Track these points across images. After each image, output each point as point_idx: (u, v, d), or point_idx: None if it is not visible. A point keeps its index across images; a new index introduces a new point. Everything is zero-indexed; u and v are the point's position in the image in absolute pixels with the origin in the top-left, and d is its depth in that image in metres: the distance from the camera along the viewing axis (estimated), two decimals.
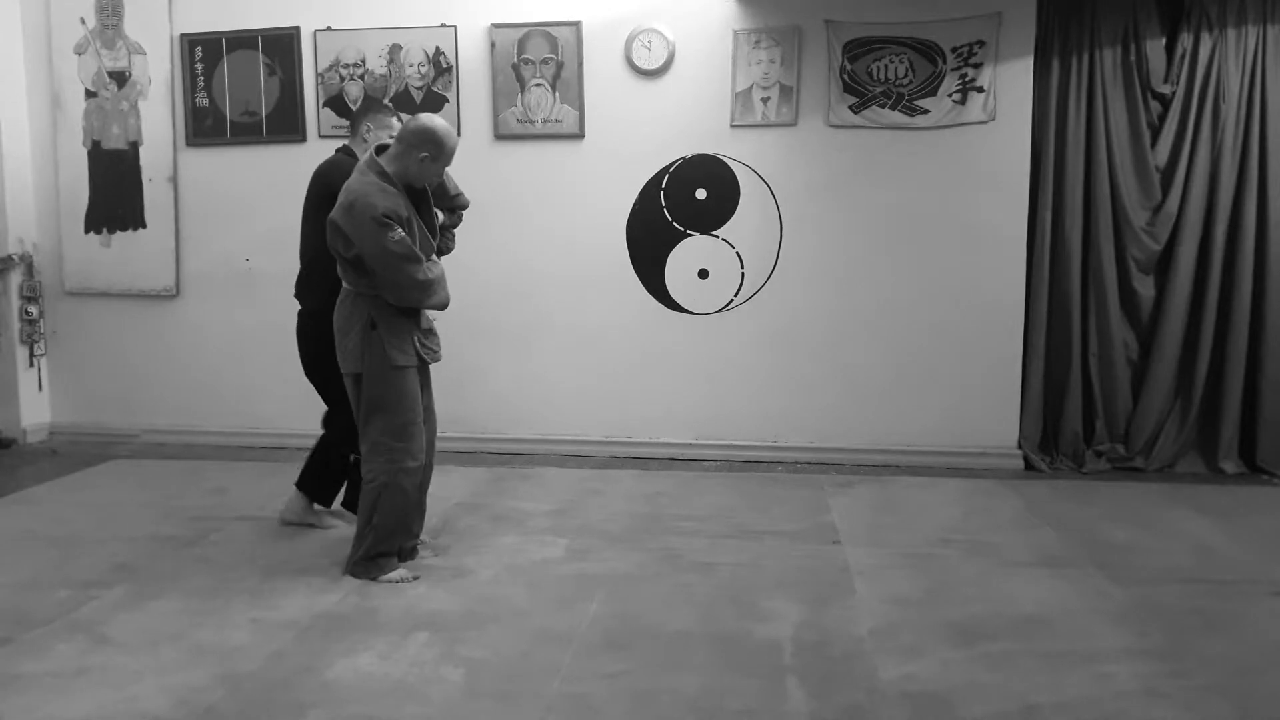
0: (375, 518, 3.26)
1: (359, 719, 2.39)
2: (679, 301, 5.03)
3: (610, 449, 5.08)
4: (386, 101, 4.96)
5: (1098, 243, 4.73)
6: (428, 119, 3.19)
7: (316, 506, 3.86)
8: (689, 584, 3.27)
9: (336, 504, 3.89)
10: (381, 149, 3.25)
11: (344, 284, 3.28)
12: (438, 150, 3.16)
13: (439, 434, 3.56)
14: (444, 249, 3.58)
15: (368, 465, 3.28)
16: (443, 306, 3.30)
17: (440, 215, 3.54)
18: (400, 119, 3.69)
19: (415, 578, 3.29)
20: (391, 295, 3.18)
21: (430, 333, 3.37)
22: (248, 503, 4.17)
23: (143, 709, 2.42)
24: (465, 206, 3.60)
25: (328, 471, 3.81)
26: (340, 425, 3.62)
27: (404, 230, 3.12)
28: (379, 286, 3.18)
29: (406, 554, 3.42)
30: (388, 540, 3.29)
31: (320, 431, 3.85)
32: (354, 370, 3.26)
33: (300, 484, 3.84)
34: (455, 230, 3.64)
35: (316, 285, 3.56)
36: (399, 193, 3.14)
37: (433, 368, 4.91)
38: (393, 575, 3.27)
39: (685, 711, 2.43)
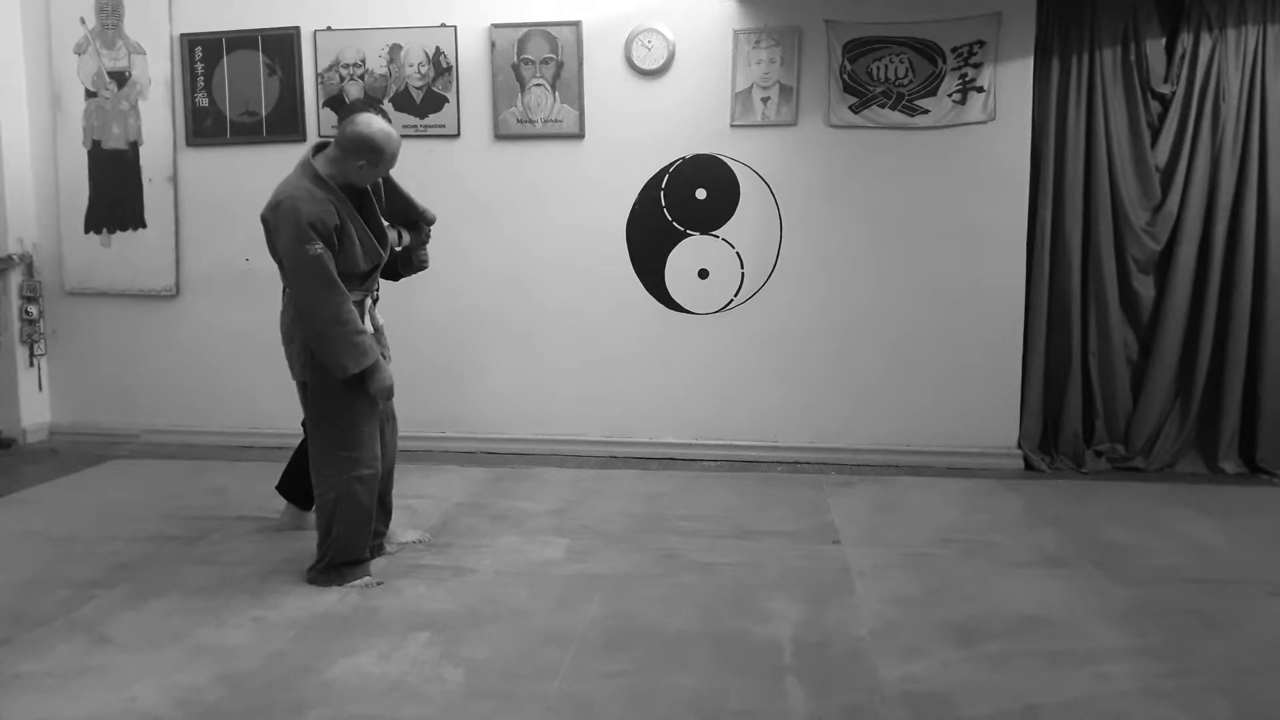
0: (334, 529, 3.20)
1: (359, 719, 2.39)
2: (679, 301, 5.03)
3: (610, 449, 5.08)
4: (387, 101, 4.97)
5: (1098, 243, 4.73)
6: (365, 124, 3.05)
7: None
8: (689, 584, 3.27)
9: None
10: (320, 147, 3.16)
11: (286, 290, 3.20)
12: (376, 157, 3.06)
13: (401, 433, 3.55)
14: (419, 265, 3.58)
15: (318, 476, 3.22)
16: (345, 374, 3.04)
17: (405, 236, 3.50)
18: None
19: (379, 583, 3.24)
20: (305, 323, 3.05)
21: (378, 334, 3.30)
22: (248, 503, 4.17)
23: (143, 709, 2.43)
24: (431, 222, 3.57)
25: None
26: None
27: (335, 238, 3.02)
28: (295, 304, 3.09)
29: (373, 551, 3.40)
30: (348, 550, 3.23)
31: (301, 434, 3.83)
32: (300, 378, 3.21)
33: (281, 489, 3.82)
34: (426, 246, 3.62)
35: None
36: (328, 197, 3.05)
37: (432, 367, 4.89)
38: (357, 583, 3.22)
39: (685, 711, 2.43)
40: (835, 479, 4.64)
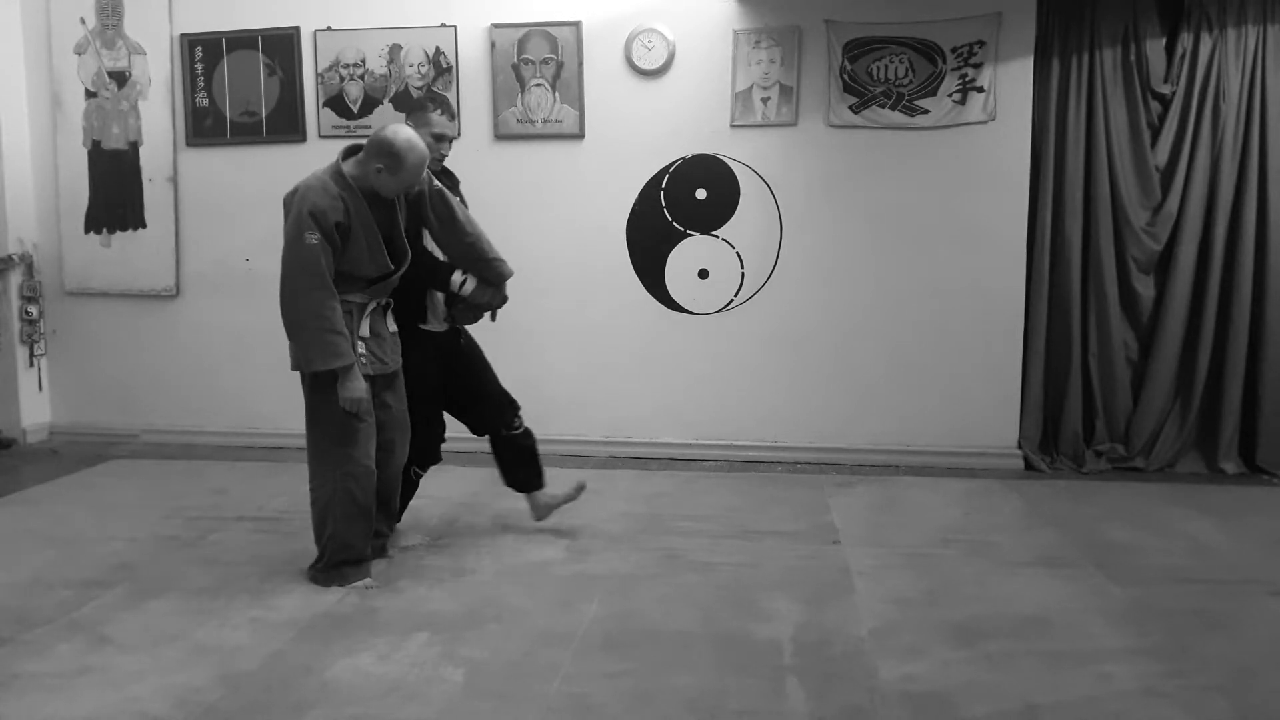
0: (330, 527, 3.19)
1: (359, 719, 2.39)
2: (679, 301, 5.03)
3: (610, 449, 5.08)
4: (387, 100, 4.97)
5: (1098, 243, 4.73)
6: (393, 131, 3.05)
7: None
8: (689, 584, 3.27)
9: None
10: (353, 150, 3.17)
11: None
12: (395, 164, 3.03)
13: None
14: (464, 315, 3.49)
15: (313, 473, 3.22)
16: (309, 368, 3.06)
17: (469, 284, 3.36)
18: (450, 116, 3.57)
19: (375, 585, 3.22)
20: (285, 310, 3.05)
21: (379, 339, 3.25)
22: (248, 503, 4.17)
23: (143, 709, 2.42)
24: (506, 276, 3.41)
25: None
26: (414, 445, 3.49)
27: (337, 235, 3.01)
28: (280, 289, 3.08)
29: (376, 551, 3.39)
30: (347, 548, 3.21)
31: None
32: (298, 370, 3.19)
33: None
34: (499, 306, 3.46)
35: None
36: (341, 194, 3.04)
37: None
38: (358, 583, 3.21)
39: (685, 711, 2.43)
40: (835, 479, 4.64)
